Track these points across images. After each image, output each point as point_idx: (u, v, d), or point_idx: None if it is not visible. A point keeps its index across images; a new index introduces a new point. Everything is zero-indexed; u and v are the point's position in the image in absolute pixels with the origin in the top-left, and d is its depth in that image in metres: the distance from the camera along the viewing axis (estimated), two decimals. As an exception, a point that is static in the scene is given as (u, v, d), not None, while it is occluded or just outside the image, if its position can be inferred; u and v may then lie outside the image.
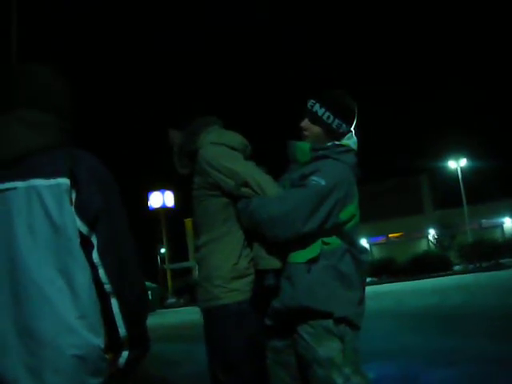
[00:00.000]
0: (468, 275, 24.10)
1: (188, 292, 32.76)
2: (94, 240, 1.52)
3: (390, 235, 43.64)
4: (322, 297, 2.30)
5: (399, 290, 19.01)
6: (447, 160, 39.29)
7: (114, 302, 1.53)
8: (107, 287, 1.52)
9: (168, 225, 45.24)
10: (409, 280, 26.03)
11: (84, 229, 1.52)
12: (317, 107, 2.50)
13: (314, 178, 2.33)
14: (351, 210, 2.41)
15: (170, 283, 41.21)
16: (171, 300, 36.42)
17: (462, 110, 47.64)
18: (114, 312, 1.53)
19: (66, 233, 1.49)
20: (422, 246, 39.78)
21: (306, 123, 2.54)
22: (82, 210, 1.52)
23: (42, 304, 1.44)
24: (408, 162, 41.79)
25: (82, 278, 1.49)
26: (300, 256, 2.31)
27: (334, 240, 2.35)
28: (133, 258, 1.59)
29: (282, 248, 2.34)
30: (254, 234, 2.37)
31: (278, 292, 2.35)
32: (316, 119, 2.51)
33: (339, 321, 2.32)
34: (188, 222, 48.24)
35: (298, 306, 2.31)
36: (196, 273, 2.54)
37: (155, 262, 52.21)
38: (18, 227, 1.48)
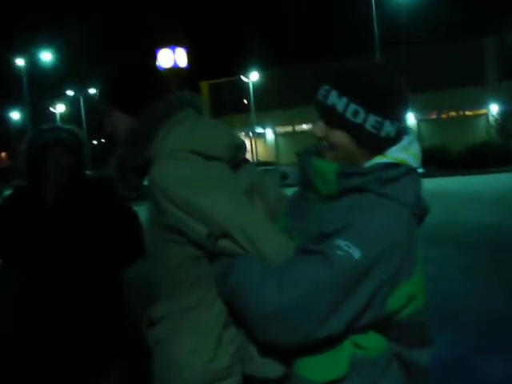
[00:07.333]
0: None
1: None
2: None
3: (442, 116, 42.40)
4: None
5: (450, 195, 18.51)
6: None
7: None
8: None
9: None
10: (462, 174, 26.30)
11: None
12: (333, 97, 1.72)
13: (340, 242, 1.61)
14: (408, 289, 1.67)
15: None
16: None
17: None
18: None
19: None
20: (480, 131, 39.37)
21: (320, 128, 1.77)
22: None
23: None
24: (472, 19, 39.70)
25: None
26: (315, 370, 1.67)
27: (374, 340, 1.69)
28: None
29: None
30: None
31: None
32: (335, 119, 1.73)
33: None
34: (204, 85, 46.89)
35: None
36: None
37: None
38: None
